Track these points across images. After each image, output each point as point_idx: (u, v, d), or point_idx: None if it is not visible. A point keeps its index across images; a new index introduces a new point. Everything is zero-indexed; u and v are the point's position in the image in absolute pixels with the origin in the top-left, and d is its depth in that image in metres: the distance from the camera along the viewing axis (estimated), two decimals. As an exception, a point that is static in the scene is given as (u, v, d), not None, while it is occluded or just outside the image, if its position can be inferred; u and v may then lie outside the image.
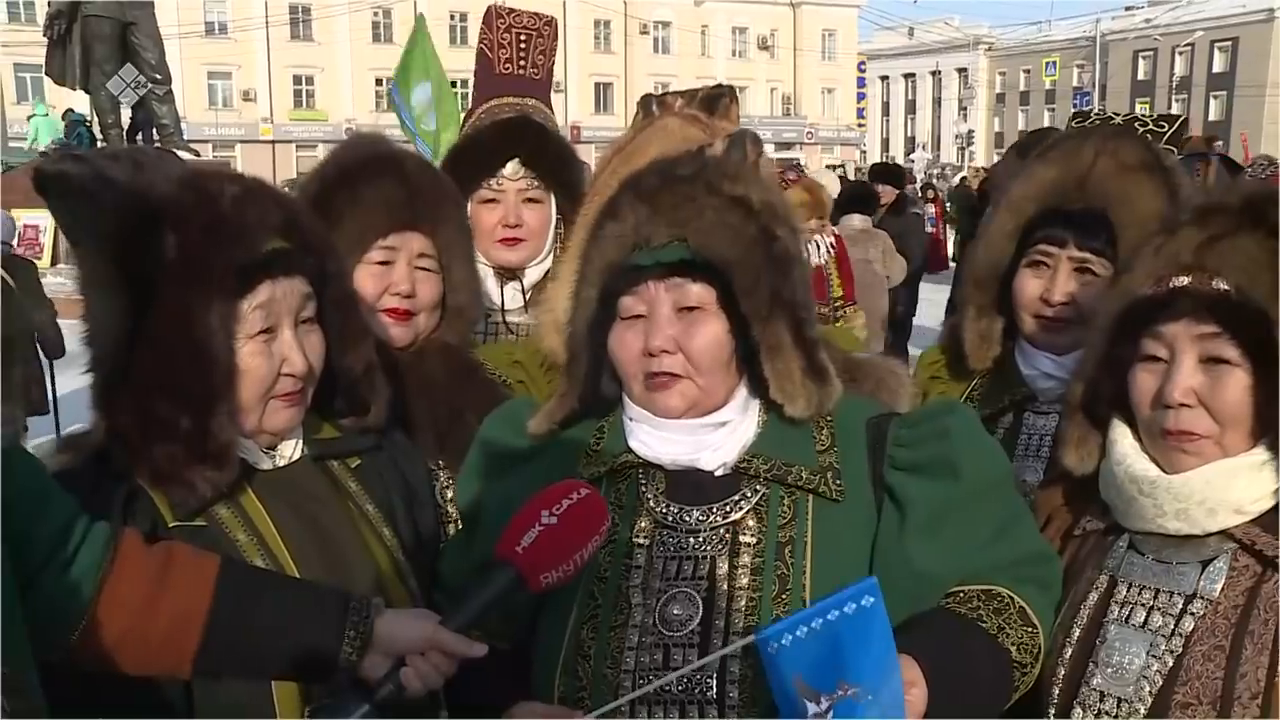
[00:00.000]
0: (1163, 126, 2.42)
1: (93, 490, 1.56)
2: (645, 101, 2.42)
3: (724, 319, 1.60)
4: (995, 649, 1.54)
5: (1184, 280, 1.56)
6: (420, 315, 2.16)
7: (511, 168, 2.56)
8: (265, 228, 1.64)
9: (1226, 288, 1.53)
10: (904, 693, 1.36)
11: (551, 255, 2.61)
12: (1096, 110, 2.58)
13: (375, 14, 54.99)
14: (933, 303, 9.68)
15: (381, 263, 2.12)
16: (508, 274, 2.59)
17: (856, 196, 8.89)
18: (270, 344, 1.64)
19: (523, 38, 2.92)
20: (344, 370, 1.78)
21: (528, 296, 2.61)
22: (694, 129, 2.14)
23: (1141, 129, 2.38)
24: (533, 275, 2.61)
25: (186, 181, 1.64)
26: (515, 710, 1.55)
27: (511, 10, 2.95)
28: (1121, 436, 1.63)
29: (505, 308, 2.59)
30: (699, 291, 1.59)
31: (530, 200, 2.58)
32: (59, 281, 8.62)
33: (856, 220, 8.21)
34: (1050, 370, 2.13)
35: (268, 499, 1.67)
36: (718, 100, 2.31)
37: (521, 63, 2.92)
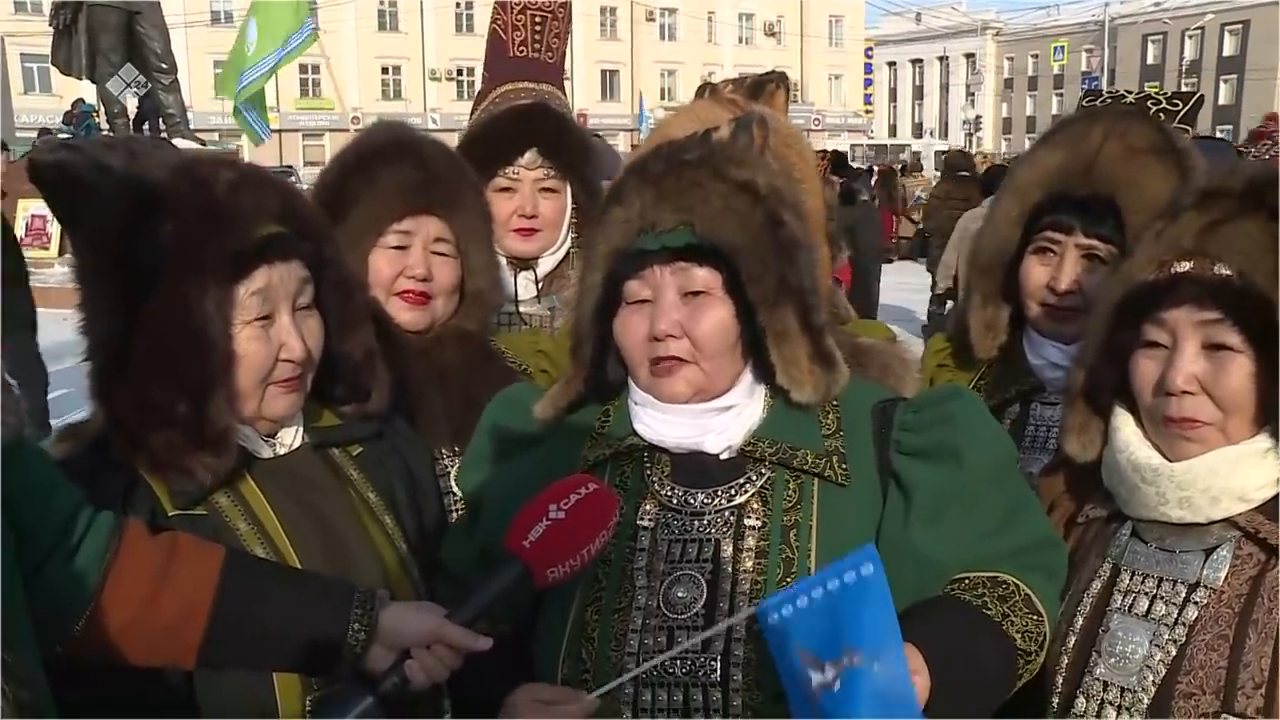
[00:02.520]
0: (1176, 105, 2.33)
1: (92, 479, 1.55)
2: (701, 90, 2.39)
3: (730, 304, 1.59)
4: (999, 637, 1.53)
5: (1186, 265, 1.54)
6: (437, 299, 2.15)
7: (529, 157, 2.54)
8: (260, 213, 1.63)
9: (1228, 273, 1.51)
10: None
11: (566, 245, 2.60)
12: (1108, 90, 2.51)
13: (381, 2, 55.01)
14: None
15: (397, 246, 2.11)
16: (521, 263, 2.58)
17: (956, 166, 9.21)
18: (268, 329, 1.63)
19: (537, 20, 2.88)
20: (344, 356, 1.77)
21: (540, 286, 2.60)
22: (718, 111, 2.08)
23: (1155, 108, 2.30)
24: (546, 265, 2.60)
25: (181, 169, 1.63)
26: (518, 693, 1.54)
27: None
28: (1124, 424, 1.61)
29: (519, 297, 2.57)
30: (705, 276, 1.58)
31: (546, 190, 2.56)
32: (66, 272, 8.65)
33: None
34: (1057, 360, 2.08)
35: (268, 487, 1.66)
36: (763, 87, 2.26)
37: (536, 45, 2.88)
